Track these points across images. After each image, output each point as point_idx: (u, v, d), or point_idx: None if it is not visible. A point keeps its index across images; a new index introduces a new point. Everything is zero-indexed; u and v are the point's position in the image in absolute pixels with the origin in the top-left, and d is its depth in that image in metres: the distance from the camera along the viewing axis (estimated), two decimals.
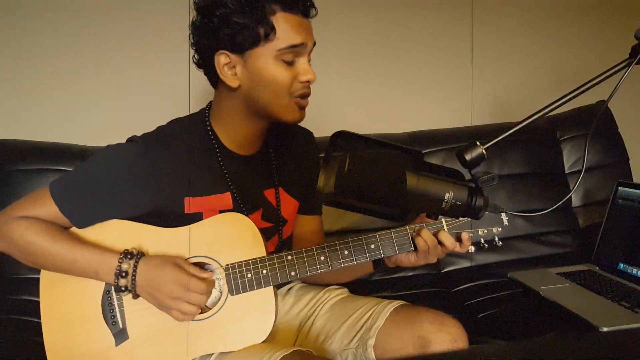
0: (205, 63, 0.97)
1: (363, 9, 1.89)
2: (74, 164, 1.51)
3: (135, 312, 0.96)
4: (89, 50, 1.68)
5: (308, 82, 0.96)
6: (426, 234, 0.96)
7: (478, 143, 0.77)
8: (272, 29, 0.90)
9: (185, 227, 0.98)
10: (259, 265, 0.96)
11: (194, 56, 0.99)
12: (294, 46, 0.92)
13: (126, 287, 0.93)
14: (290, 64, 0.94)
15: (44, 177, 1.48)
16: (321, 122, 1.35)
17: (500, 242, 1.01)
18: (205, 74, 1.01)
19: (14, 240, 0.95)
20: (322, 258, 0.97)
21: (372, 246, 0.97)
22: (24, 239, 0.94)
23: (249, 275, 0.96)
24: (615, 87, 0.82)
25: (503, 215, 1.00)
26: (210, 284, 0.95)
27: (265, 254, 0.97)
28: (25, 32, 1.64)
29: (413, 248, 0.98)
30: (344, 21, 1.88)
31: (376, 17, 1.90)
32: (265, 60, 0.92)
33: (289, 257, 0.97)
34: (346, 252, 0.97)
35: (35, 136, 1.57)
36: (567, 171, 1.83)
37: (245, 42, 0.91)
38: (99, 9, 1.67)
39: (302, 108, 0.98)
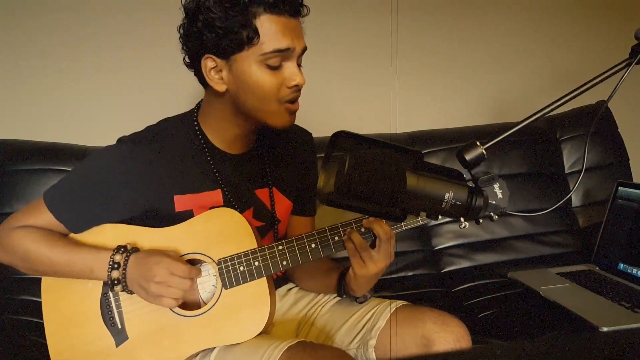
0: (194, 65, 0.96)
1: (363, 10, 1.89)
2: (74, 164, 1.51)
3: (133, 312, 0.97)
4: (88, 50, 1.68)
5: (297, 86, 0.92)
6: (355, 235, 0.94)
7: (478, 143, 0.77)
8: (256, 33, 0.87)
9: (177, 226, 0.99)
10: (250, 257, 0.97)
11: (184, 58, 0.98)
12: (279, 50, 0.88)
13: (118, 280, 0.93)
14: (276, 68, 0.90)
15: (44, 177, 1.48)
16: (321, 122, 1.35)
17: (496, 217, 0.99)
18: (195, 75, 0.99)
19: (14, 250, 0.96)
20: (313, 246, 0.97)
21: (362, 229, 0.97)
22: (22, 247, 0.95)
23: (241, 267, 0.96)
24: (615, 87, 0.82)
25: (497, 188, 0.97)
26: (195, 271, 0.94)
27: (256, 247, 0.98)
28: (25, 32, 1.64)
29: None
30: (344, 22, 1.88)
31: (376, 18, 1.90)
32: (249, 65, 0.89)
33: (280, 247, 0.97)
34: (337, 238, 0.97)
35: (35, 136, 1.57)
36: (567, 171, 1.83)
37: (230, 46, 0.88)
38: (99, 9, 1.67)
39: (292, 113, 0.95)
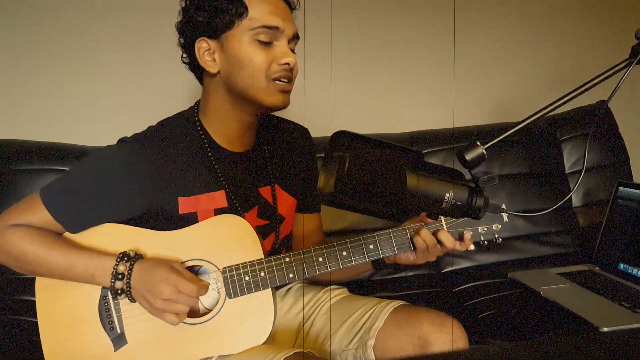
0: (190, 56, 0.99)
1: (363, 10, 1.89)
2: (74, 164, 1.50)
3: (134, 317, 0.96)
4: (88, 51, 1.68)
5: (287, 64, 0.94)
6: (425, 234, 0.96)
7: (478, 143, 0.77)
8: (245, 7, 0.91)
9: (182, 230, 0.96)
10: (256, 267, 0.95)
11: (182, 55, 1.00)
12: (267, 27, 0.92)
13: (122, 290, 0.91)
14: (266, 44, 0.93)
15: (44, 177, 1.47)
16: (321, 122, 1.35)
17: (500, 239, 1.00)
18: (192, 71, 1.02)
19: (8, 250, 0.93)
20: (321, 259, 0.96)
21: (371, 246, 0.97)
22: (18, 248, 0.92)
23: (247, 278, 0.95)
24: (616, 87, 0.82)
25: (505, 217, 1.00)
26: (203, 287, 0.93)
27: (262, 256, 0.96)
28: (25, 32, 1.64)
29: (412, 248, 0.98)
30: (344, 22, 1.88)
31: (376, 18, 1.90)
32: (240, 40, 0.93)
33: (287, 259, 0.96)
34: (344, 253, 0.97)
35: (35, 136, 1.57)
36: (567, 171, 1.83)
37: (221, 24, 0.92)
38: (99, 9, 1.67)
39: (284, 92, 0.96)
